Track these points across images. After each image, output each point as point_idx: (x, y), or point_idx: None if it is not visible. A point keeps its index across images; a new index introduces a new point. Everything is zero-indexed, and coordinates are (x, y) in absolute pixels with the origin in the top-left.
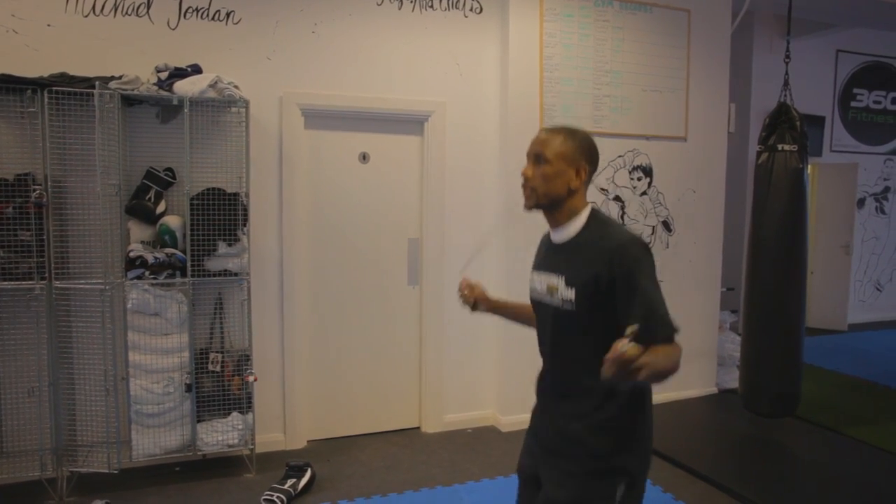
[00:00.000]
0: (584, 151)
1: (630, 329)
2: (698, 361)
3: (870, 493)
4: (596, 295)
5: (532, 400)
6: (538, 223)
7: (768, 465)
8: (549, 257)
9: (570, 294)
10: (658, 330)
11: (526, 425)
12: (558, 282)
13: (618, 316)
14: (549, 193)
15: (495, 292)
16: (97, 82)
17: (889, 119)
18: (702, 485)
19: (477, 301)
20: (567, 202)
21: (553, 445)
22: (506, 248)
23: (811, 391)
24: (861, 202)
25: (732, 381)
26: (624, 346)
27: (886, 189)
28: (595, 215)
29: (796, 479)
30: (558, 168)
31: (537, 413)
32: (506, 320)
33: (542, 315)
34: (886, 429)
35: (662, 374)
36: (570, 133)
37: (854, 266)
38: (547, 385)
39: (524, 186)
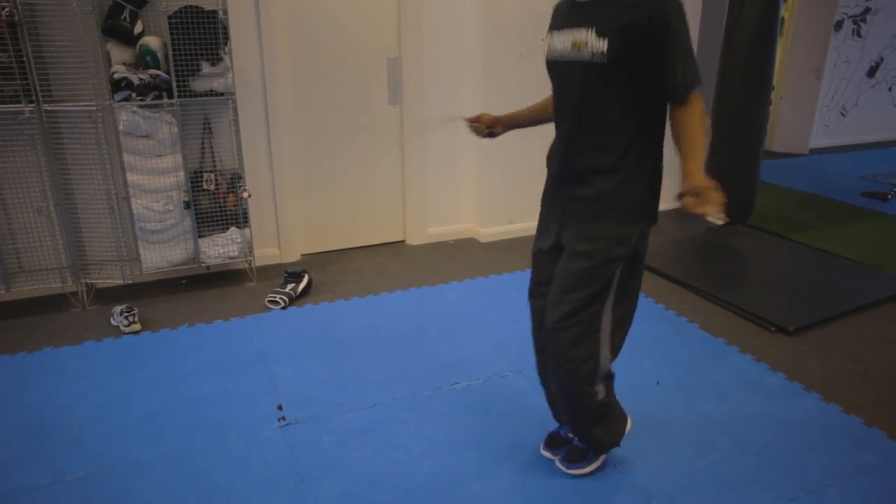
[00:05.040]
0: None
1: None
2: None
3: (804, 284)
4: (630, 45)
5: (509, 213)
6: (514, 43)
7: (723, 265)
8: (574, 14)
9: (602, 45)
10: (692, 81)
11: (504, 237)
12: (587, 35)
13: (652, 67)
14: None
15: (474, 109)
16: None
17: None
18: (669, 285)
19: (490, 128)
20: None
21: (577, 216)
22: (483, 71)
23: (766, 205)
24: (839, 24)
25: None
26: (703, 197)
27: (867, 10)
28: None
29: (745, 275)
30: None
31: (552, 187)
32: (525, 129)
33: (564, 76)
34: (826, 233)
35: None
36: None
37: (822, 91)
38: (564, 160)
39: None
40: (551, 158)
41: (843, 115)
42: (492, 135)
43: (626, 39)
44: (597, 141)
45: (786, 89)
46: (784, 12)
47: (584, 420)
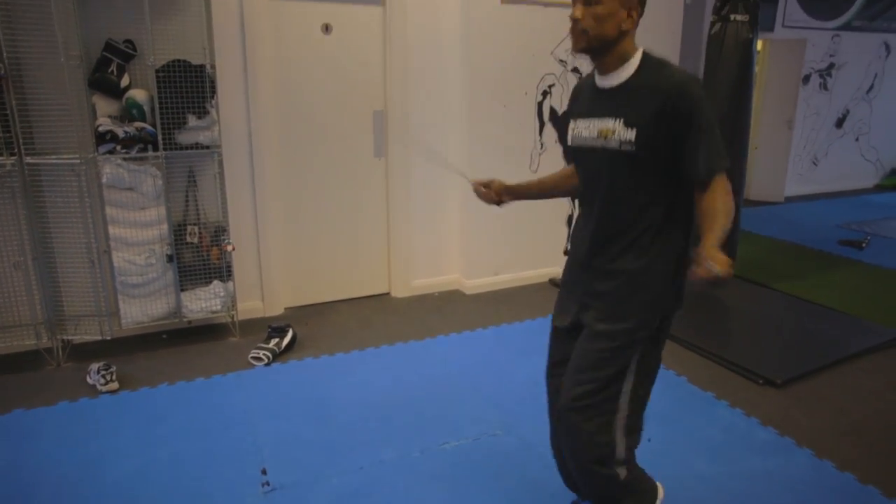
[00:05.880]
0: None
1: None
2: None
3: (789, 334)
4: (657, 134)
5: (494, 264)
6: (497, 97)
7: (705, 314)
8: (598, 102)
9: (630, 134)
10: (716, 166)
11: (488, 289)
12: (615, 124)
13: (680, 155)
14: (601, 35)
15: (459, 164)
16: None
17: None
18: None
19: (500, 195)
20: (618, 45)
21: (602, 296)
22: (467, 123)
23: (747, 253)
24: (806, 78)
25: None
26: (712, 267)
27: (831, 65)
28: (648, 57)
29: (730, 325)
30: (610, 8)
31: (576, 267)
32: (534, 199)
33: (590, 163)
34: (807, 282)
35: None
36: None
37: (794, 141)
38: (589, 242)
39: (573, 29)
40: (575, 239)
41: (814, 163)
42: (498, 203)
43: (654, 127)
44: (624, 225)
45: (760, 139)
46: (756, 66)
47: (608, 501)
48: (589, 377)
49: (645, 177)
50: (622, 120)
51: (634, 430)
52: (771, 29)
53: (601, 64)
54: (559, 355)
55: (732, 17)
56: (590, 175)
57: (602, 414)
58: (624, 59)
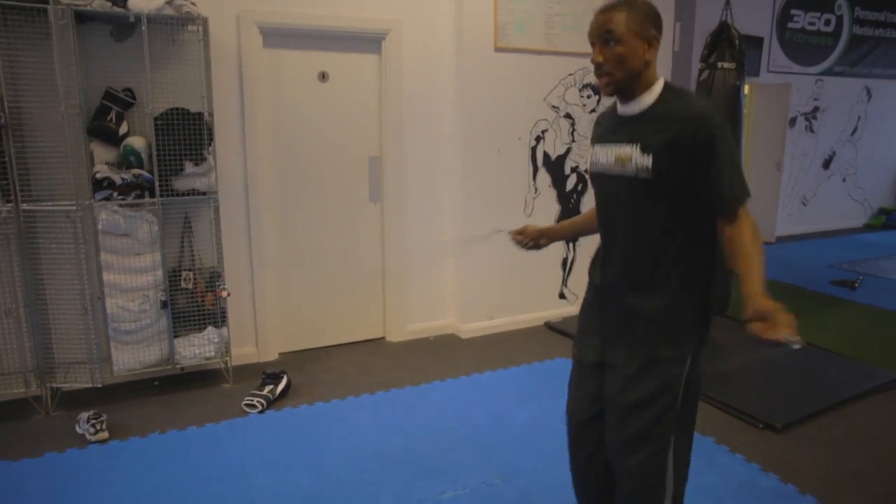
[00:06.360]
0: (650, 18)
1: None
2: None
3: (787, 377)
4: (675, 162)
5: (490, 308)
6: (492, 142)
7: (706, 359)
8: (619, 129)
9: (647, 161)
10: (740, 195)
11: (483, 333)
12: (632, 150)
13: (698, 184)
14: (627, 75)
15: (456, 211)
16: None
17: (822, 40)
18: None
19: (537, 239)
20: (642, 76)
21: (625, 330)
22: (462, 168)
23: (741, 294)
24: (792, 121)
25: None
26: (778, 333)
27: (816, 109)
28: (669, 86)
29: (728, 368)
30: (631, 45)
31: (596, 304)
32: (567, 239)
33: (609, 190)
34: (801, 323)
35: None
36: (630, 3)
37: (783, 182)
38: (610, 271)
39: (598, 73)
40: (595, 268)
41: (804, 204)
42: (537, 247)
43: (671, 155)
44: (644, 255)
45: (750, 181)
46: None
47: None
48: (631, 433)
49: (663, 205)
50: (639, 145)
51: (678, 494)
52: (757, 74)
53: (624, 94)
54: (582, 391)
55: (720, 64)
56: (609, 202)
57: (651, 474)
58: (646, 87)
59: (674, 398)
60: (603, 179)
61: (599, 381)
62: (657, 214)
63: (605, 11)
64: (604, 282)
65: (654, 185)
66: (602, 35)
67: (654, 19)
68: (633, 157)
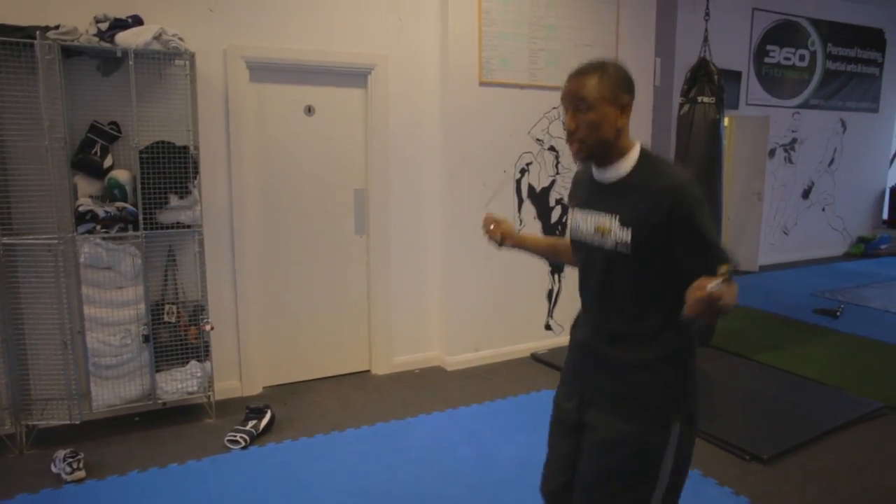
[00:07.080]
0: (622, 85)
1: (722, 269)
2: None
3: (772, 407)
4: (653, 235)
5: (475, 340)
6: (477, 175)
7: None
8: (596, 196)
9: (626, 235)
10: (724, 262)
11: (469, 366)
12: (611, 222)
13: (676, 258)
14: (599, 141)
15: (441, 243)
16: (37, 32)
17: (797, 74)
18: None
19: (503, 236)
20: (616, 143)
21: (604, 390)
22: (448, 201)
23: (725, 324)
24: (772, 152)
25: None
26: (714, 286)
27: (794, 140)
28: (645, 154)
29: (714, 399)
30: (602, 112)
31: (577, 362)
32: (532, 255)
33: (588, 258)
34: (785, 352)
35: (727, 311)
36: (602, 68)
37: (765, 212)
38: (590, 331)
39: (570, 140)
40: (575, 328)
41: (785, 233)
42: (498, 242)
43: (650, 229)
44: (624, 322)
45: (732, 211)
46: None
47: None
48: (597, 489)
49: (642, 279)
50: (618, 217)
51: None
52: (736, 106)
53: (599, 161)
54: (557, 456)
55: (700, 98)
56: (589, 269)
57: None
58: (621, 155)
59: (648, 466)
60: (583, 248)
61: (577, 442)
62: (637, 285)
63: (576, 77)
64: (585, 342)
65: (634, 259)
66: (573, 101)
67: (627, 85)
68: (613, 229)
